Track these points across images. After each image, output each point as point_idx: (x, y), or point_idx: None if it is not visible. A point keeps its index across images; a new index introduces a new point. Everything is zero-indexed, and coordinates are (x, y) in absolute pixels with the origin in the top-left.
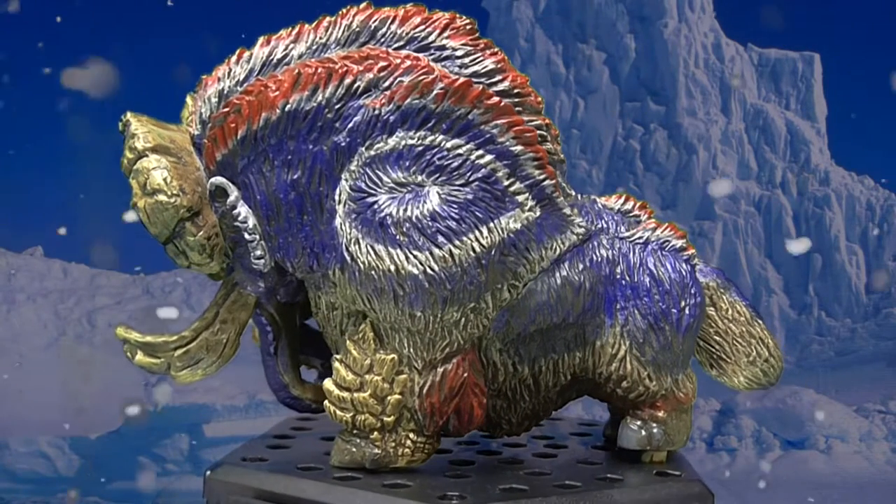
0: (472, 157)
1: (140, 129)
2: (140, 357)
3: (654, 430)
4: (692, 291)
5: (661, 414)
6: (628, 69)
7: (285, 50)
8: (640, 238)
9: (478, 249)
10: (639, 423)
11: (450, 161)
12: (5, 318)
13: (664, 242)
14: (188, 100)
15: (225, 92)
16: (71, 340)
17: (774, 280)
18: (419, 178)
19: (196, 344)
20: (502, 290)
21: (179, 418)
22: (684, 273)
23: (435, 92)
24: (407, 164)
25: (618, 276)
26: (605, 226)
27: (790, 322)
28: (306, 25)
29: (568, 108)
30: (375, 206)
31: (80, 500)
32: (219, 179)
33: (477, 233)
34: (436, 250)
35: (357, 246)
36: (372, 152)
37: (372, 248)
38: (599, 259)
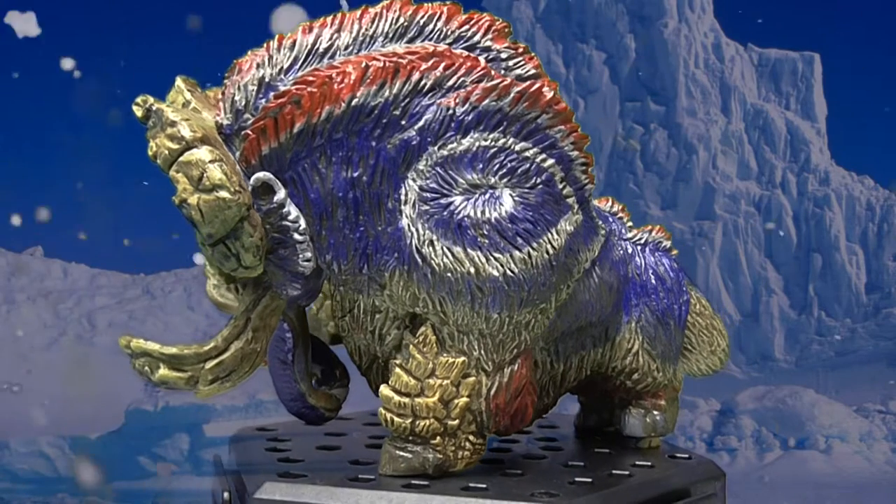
0: (538, 160)
1: (179, 116)
2: (164, 372)
3: (658, 418)
4: (683, 289)
5: (662, 402)
6: (628, 69)
7: (330, 39)
8: (640, 239)
9: (550, 251)
10: (642, 411)
11: (520, 164)
12: (5, 319)
13: (658, 243)
14: (179, 83)
15: (266, 80)
16: (71, 340)
17: (774, 280)
18: (492, 179)
19: (230, 354)
20: (562, 290)
21: (179, 418)
22: (677, 271)
23: (512, 95)
24: (480, 165)
25: (630, 276)
26: (612, 228)
27: (790, 322)
28: (347, 14)
29: None
30: (452, 208)
31: (88, 498)
32: (265, 175)
33: (549, 235)
34: (516, 252)
35: (431, 248)
36: (444, 152)
37: (449, 249)
38: (617, 259)
